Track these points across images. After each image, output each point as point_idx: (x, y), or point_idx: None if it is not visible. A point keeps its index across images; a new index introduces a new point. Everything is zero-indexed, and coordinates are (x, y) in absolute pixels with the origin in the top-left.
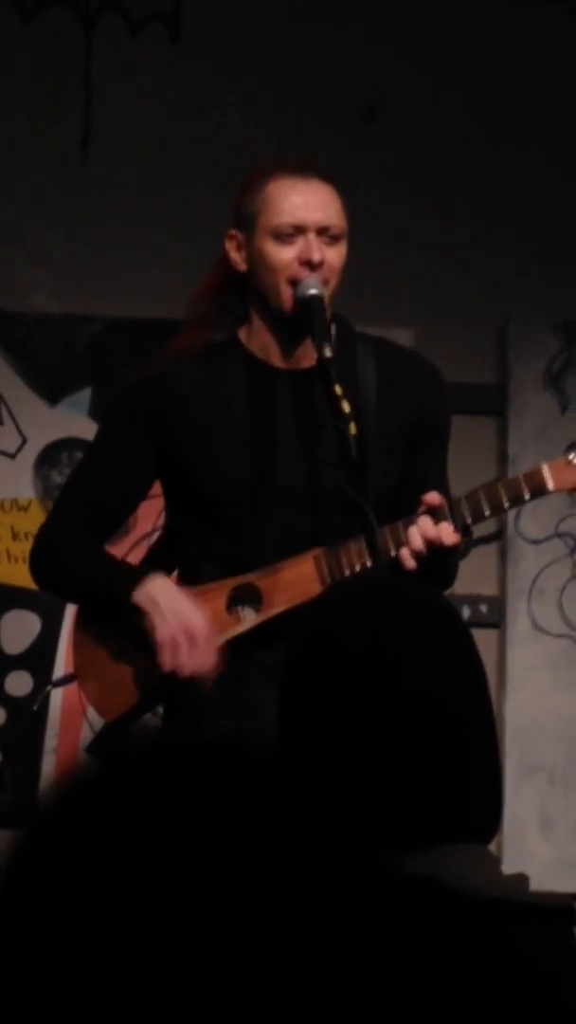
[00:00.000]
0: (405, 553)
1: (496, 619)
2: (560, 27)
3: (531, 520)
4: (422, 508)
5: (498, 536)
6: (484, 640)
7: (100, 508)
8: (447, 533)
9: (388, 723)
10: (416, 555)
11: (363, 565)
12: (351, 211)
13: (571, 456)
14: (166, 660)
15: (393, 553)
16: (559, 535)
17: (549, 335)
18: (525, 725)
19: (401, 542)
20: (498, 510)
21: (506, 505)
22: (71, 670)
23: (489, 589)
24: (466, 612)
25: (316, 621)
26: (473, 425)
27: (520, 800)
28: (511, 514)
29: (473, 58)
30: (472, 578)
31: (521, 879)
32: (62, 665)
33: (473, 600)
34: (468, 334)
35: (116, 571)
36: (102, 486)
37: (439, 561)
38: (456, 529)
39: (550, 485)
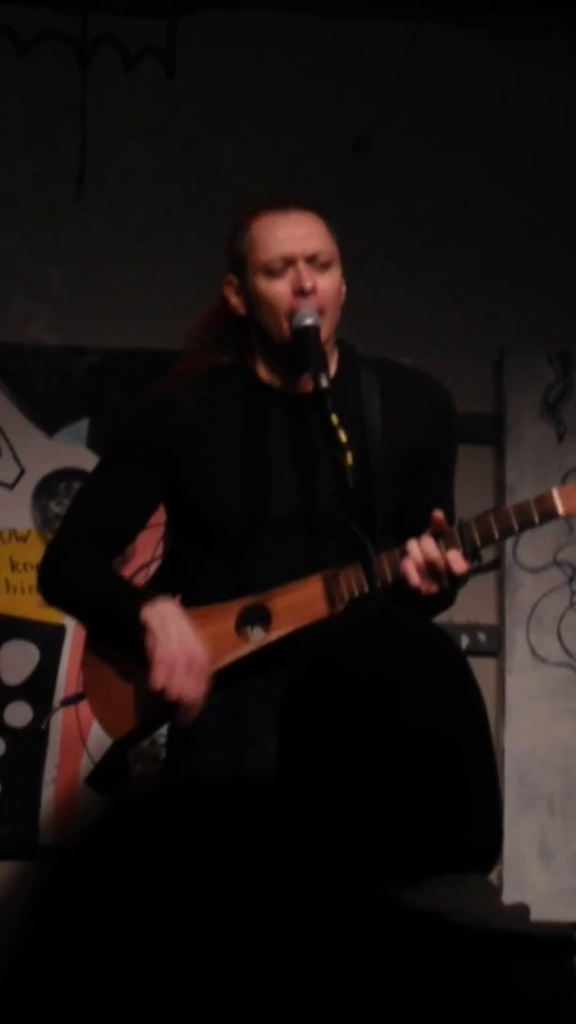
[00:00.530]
0: (409, 566)
1: (494, 648)
2: (550, 61)
3: (529, 549)
4: (431, 528)
5: (496, 565)
6: (482, 669)
7: (103, 533)
8: (456, 560)
9: (386, 755)
10: (418, 569)
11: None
12: (347, 244)
13: None
14: (159, 678)
15: (390, 579)
16: (557, 564)
17: (545, 364)
18: (524, 754)
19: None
20: (508, 534)
21: (516, 529)
22: (76, 690)
23: (487, 618)
24: (464, 641)
25: (317, 652)
26: (470, 455)
27: (520, 830)
28: (509, 543)
29: (465, 91)
30: (470, 607)
31: (521, 909)
32: (62, 695)
33: (471, 629)
34: (465, 364)
35: (126, 589)
36: (105, 512)
37: (443, 585)
38: (466, 553)
39: (560, 510)
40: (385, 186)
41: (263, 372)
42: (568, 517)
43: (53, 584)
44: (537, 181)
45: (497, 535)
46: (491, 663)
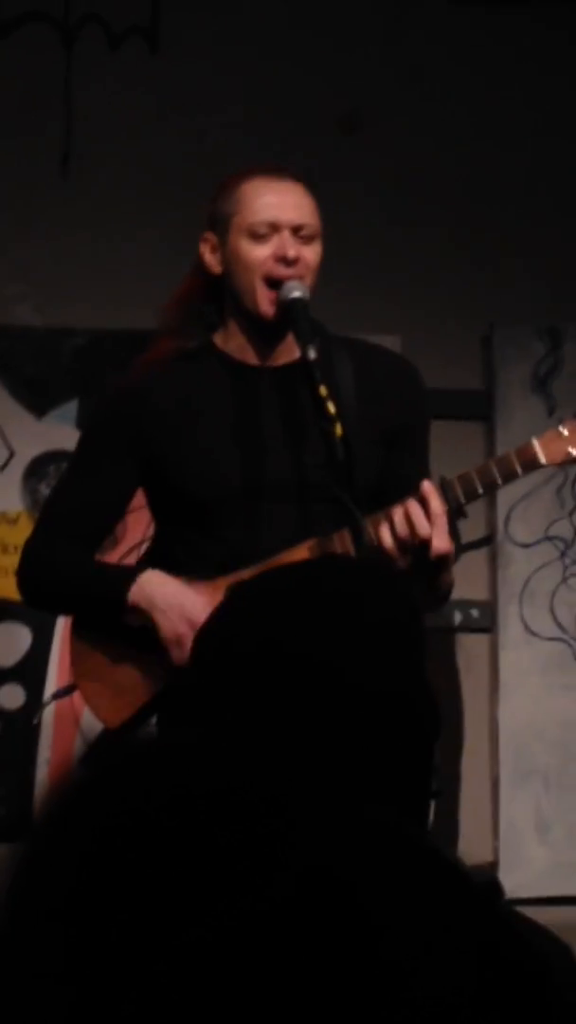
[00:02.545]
0: (384, 532)
1: (488, 624)
2: (541, 35)
3: (521, 524)
4: (416, 495)
5: (488, 540)
6: (476, 645)
7: (83, 522)
8: (430, 493)
9: (283, 700)
10: (397, 536)
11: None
12: (336, 219)
13: (560, 428)
14: (176, 656)
15: (376, 543)
16: (549, 538)
17: (535, 339)
18: (519, 729)
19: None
20: (491, 488)
21: (499, 482)
22: (66, 682)
23: (480, 594)
24: (457, 617)
25: (225, 608)
26: (461, 430)
27: (515, 805)
28: (501, 518)
29: (455, 65)
30: (463, 583)
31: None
32: (55, 678)
33: (464, 605)
34: (454, 340)
35: (106, 575)
36: (83, 500)
37: (430, 561)
38: (451, 511)
39: (542, 459)
40: (372, 161)
41: (235, 346)
42: (551, 466)
43: (32, 588)
44: (528, 154)
45: (480, 489)
46: (484, 639)
